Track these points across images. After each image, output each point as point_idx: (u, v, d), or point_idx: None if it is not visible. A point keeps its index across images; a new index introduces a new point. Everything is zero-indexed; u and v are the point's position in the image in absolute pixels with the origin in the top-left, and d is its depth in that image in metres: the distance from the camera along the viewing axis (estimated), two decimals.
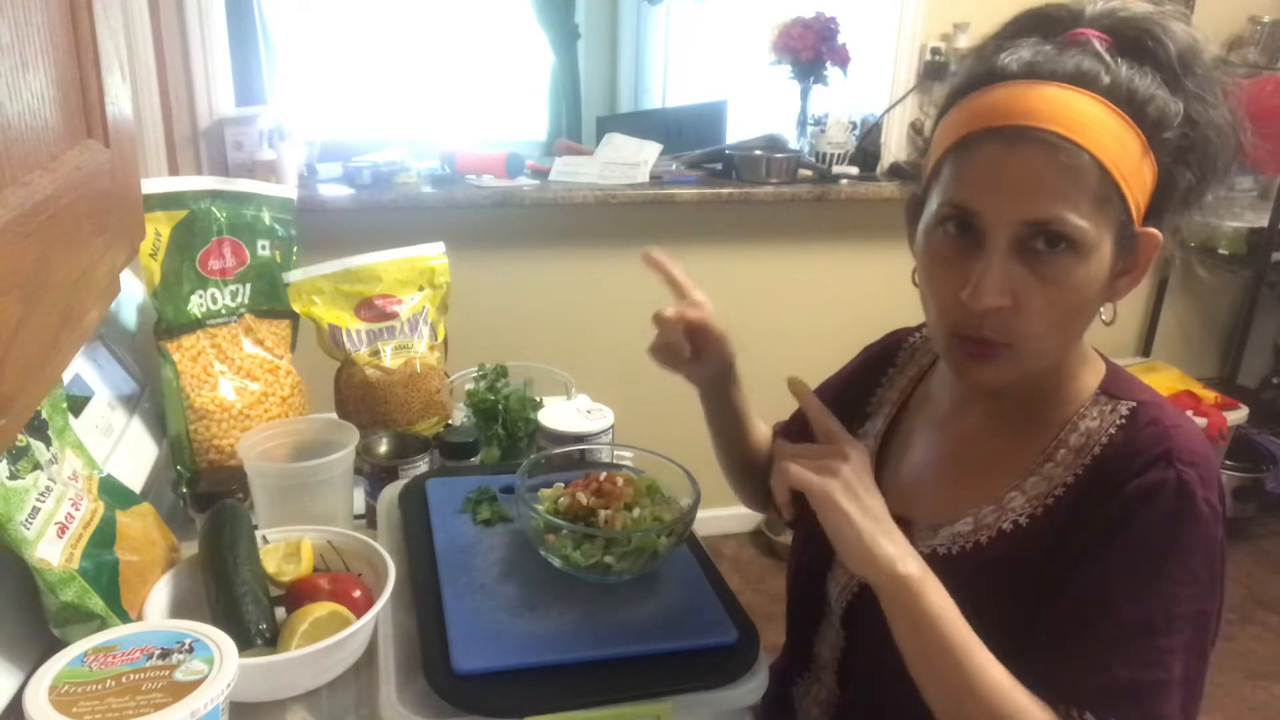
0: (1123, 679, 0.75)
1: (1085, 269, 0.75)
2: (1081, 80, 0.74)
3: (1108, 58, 0.75)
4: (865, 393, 1.06)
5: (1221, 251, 2.87)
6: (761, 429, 1.17)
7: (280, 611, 0.90)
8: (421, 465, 1.16)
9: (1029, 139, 0.73)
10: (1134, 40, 0.77)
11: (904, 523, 0.81)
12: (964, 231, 0.78)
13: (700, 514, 0.92)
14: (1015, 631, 0.77)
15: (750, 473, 1.17)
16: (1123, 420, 0.82)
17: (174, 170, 2.20)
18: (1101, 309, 0.83)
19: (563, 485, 0.95)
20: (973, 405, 0.91)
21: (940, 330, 0.83)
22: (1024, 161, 0.74)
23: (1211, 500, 0.77)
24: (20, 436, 0.83)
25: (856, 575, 0.93)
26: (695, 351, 0.98)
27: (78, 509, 0.86)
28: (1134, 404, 0.83)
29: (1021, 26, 0.82)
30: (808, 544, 1.02)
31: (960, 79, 0.82)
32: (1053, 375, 0.86)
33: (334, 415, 1.31)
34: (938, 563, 0.78)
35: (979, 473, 0.88)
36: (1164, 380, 2.85)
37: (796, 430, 1.15)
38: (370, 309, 1.31)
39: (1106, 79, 0.74)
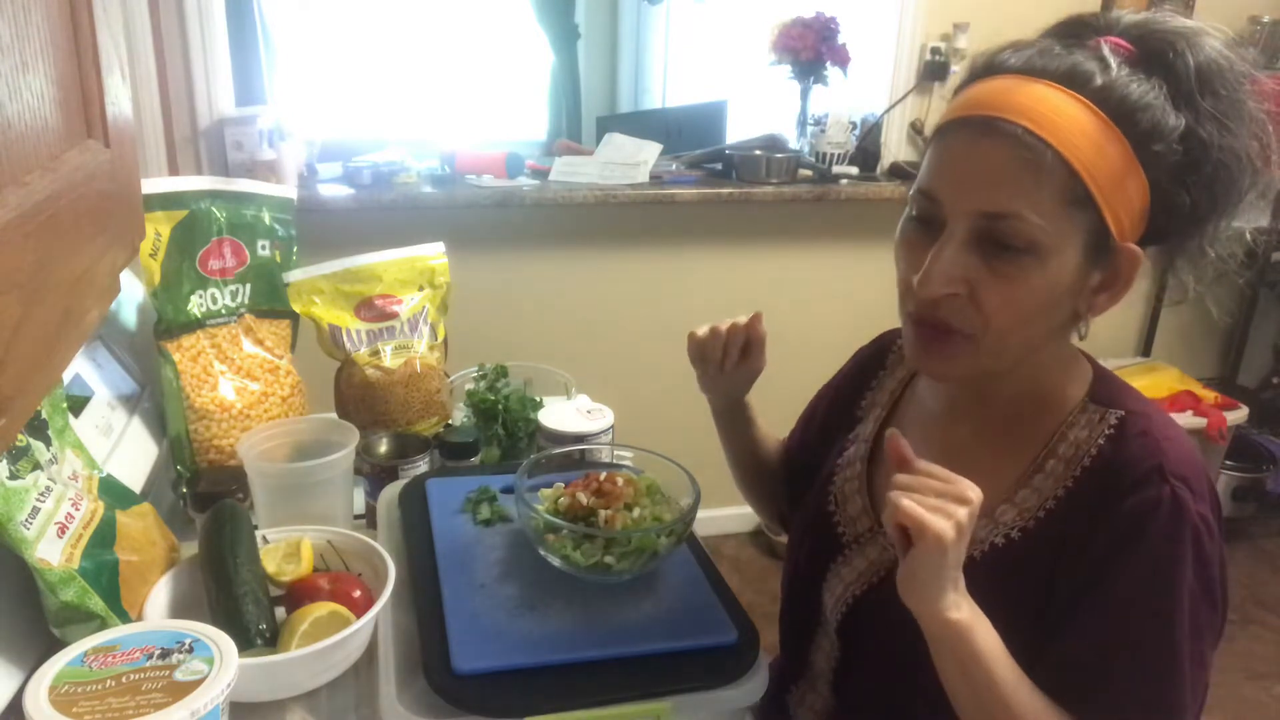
0: (1141, 698, 0.75)
1: (1043, 270, 0.74)
2: (1071, 80, 0.73)
3: (1110, 62, 0.74)
4: (856, 396, 1.05)
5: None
6: (775, 440, 1.17)
7: (280, 611, 0.90)
8: (421, 465, 1.16)
9: (996, 131, 0.73)
10: (1157, 51, 0.75)
11: None
12: (928, 220, 0.78)
13: (700, 514, 0.92)
14: (1012, 646, 0.76)
15: (767, 484, 1.17)
16: (1111, 430, 0.81)
17: (174, 170, 2.20)
18: (1081, 324, 0.82)
19: (563, 485, 0.95)
20: (960, 413, 0.90)
21: (902, 316, 0.83)
22: (987, 153, 0.73)
23: (1204, 513, 0.76)
24: (20, 436, 0.83)
25: (851, 590, 0.93)
26: (742, 355, 0.99)
27: (78, 509, 0.86)
28: (1122, 413, 0.82)
29: (1058, 31, 0.82)
30: (801, 551, 1.01)
31: (966, 73, 0.82)
32: (1039, 382, 0.85)
33: (334, 415, 1.31)
34: None
35: None
36: (1164, 380, 2.85)
37: (797, 443, 1.15)
38: (370, 309, 1.31)
39: (1098, 81, 0.73)
